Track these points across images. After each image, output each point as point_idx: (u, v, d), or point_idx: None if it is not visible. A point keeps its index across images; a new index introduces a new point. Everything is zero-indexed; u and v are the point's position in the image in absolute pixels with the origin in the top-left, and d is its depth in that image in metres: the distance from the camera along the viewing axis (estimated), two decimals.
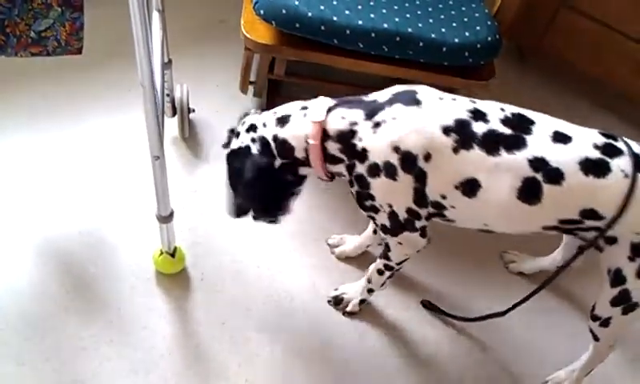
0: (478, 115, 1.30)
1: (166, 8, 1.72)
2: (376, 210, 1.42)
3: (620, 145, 1.29)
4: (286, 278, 1.82)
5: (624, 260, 1.33)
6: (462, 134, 1.28)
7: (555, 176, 1.25)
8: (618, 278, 1.36)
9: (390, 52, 1.74)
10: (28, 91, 2.15)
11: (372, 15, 1.73)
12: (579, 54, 2.38)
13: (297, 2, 1.70)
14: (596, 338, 1.52)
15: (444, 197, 1.33)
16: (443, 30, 1.75)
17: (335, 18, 1.70)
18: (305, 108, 1.41)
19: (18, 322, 1.63)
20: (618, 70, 2.35)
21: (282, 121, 1.42)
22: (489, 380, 1.73)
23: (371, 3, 1.77)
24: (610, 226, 1.28)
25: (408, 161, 1.30)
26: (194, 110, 2.10)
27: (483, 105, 1.34)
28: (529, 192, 1.27)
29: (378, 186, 1.36)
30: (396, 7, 1.78)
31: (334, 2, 1.74)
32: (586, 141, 1.28)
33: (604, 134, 1.32)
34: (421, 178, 1.31)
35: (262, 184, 1.45)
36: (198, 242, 1.85)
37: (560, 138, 1.28)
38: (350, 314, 1.76)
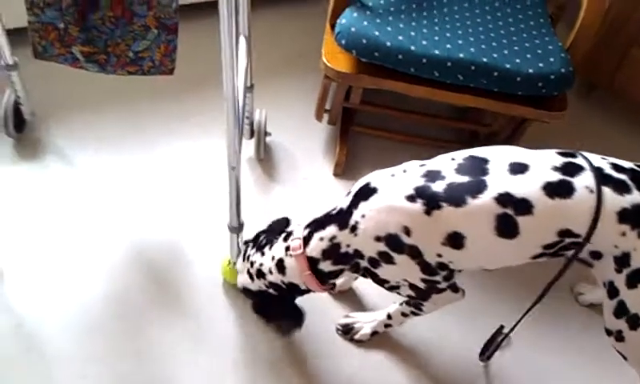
0: (433, 175, 1.34)
1: (252, 39, 1.81)
2: (396, 288, 1.47)
3: (580, 161, 1.30)
4: (336, 297, 1.87)
5: (613, 273, 1.33)
6: (426, 197, 1.31)
7: (524, 207, 1.27)
8: (612, 289, 1.36)
9: (465, 81, 1.78)
10: (122, 109, 2.29)
11: (448, 45, 1.79)
12: None
13: (377, 33, 1.77)
14: (624, 357, 1.49)
15: (440, 255, 1.35)
16: (518, 60, 1.78)
17: (413, 48, 1.76)
18: (287, 248, 1.51)
19: (102, 324, 1.72)
20: None
21: (280, 268, 1.52)
22: None
23: (447, 34, 1.83)
24: (584, 244, 1.28)
25: (394, 243, 1.35)
26: (270, 134, 2.19)
27: (433, 163, 1.38)
28: (505, 228, 1.28)
29: (385, 272, 1.42)
30: (472, 38, 1.83)
31: (412, 33, 1.80)
32: (544, 165, 1.30)
33: (562, 153, 1.33)
34: (414, 251, 1.35)
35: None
36: None
37: (517, 168, 1.30)
38: (358, 342, 1.77)
